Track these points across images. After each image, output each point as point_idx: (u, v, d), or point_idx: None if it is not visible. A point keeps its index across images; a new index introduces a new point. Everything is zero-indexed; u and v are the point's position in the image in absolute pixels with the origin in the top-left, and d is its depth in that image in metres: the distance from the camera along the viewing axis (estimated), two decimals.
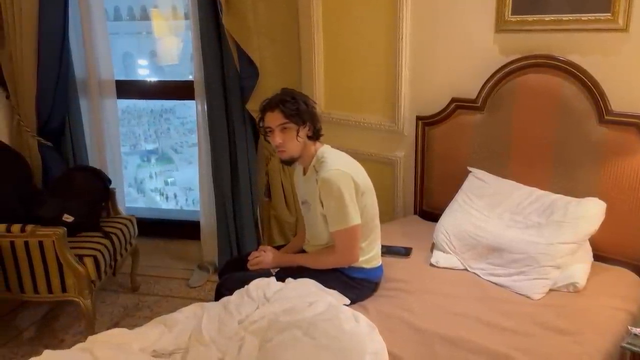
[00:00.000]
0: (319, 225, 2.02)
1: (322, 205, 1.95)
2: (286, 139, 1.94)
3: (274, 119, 1.94)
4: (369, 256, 2.03)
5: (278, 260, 2.11)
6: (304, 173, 2.08)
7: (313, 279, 1.95)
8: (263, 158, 3.02)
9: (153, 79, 3.96)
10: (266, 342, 1.60)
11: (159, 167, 4.72)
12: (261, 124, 2.00)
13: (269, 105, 1.95)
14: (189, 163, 4.59)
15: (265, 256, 2.12)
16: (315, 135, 2.01)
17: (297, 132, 1.94)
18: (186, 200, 4.53)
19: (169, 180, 4.70)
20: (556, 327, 1.79)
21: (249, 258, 2.14)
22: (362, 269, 2.01)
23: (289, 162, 2.03)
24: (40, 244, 2.37)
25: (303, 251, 2.19)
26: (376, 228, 2.07)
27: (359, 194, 1.95)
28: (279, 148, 1.97)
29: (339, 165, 1.94)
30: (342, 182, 1.90)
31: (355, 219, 1.92)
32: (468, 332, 1.76)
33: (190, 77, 3.30)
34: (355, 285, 1.99)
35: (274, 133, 1.95)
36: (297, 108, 1.92)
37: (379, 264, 2.08)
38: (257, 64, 2.72)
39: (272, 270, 2.04)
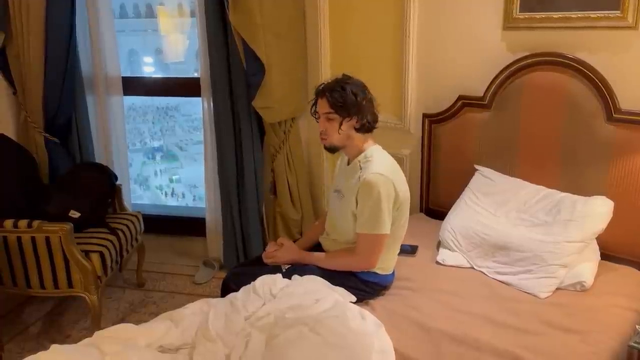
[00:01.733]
0: (345, 219, 1.98)
1: (357, 205, 1.91)
2: (329, 128, 1.92)
3: (321, 106, 1.92)
4: (386, 264, 2.02)
5: (294, 257, 2.08)
6: (348, 163, 2.04)
7: (324, 276, 1.94)
8: (269, 155, 3.02)
9: (159, 76, 3.96)
10: (273, 339, 1.60)
11: (163, 164, 4.72)
12: (313, 108, 1.97)
13: (318, 92, 1.93)
14: (194, 160, 4.59)
15: (282, 252, 2.09)
16: (363, 128, 1.93)
17: (340, 125, 1.90)
18: (192, 197, 4.53)
19: (174, 177, 4.70)
20: (563, 326, 1.79)
21: (267, 249, 2.13)
22: (375, 274, 2.00)
23: (331, 150, 2.00)
24: (47, 239, 2.38)
25: (319, 244, 2.17)
26: (400, 239, 2.05)
27: (396, 206, 1.92)
28: (321, 135, 1.95)
29: (384, 170, 1.90)
30: (383, 188, 1.86)
31: (386, 229, 1.89)
32: (474, 330, 1.76)
33: (196, 75, 3.29)
34: (365, 288, 1.99)
35: (320, 119, 1.94)
36: (343, 100, 1.87)
37: (393, 270, 2.08)
38: (264, 61, 2.72)
39: (282, 267, 2.03)
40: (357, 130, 1.93)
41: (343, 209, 2.00)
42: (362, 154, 1.97)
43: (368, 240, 1.91)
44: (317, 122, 1.99)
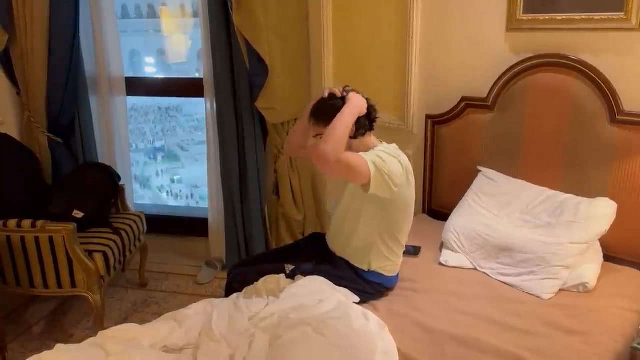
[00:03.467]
0: (355, 209, 1.94)
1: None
2: None
3: (312, 129, 1.90)
4: (389, 265, 2.01)
5: None
6: None
7: (328, 277, 1.94)
8: (272, 156, 3.02)
9: (161, 76, 3.97)
10: (276, 339, 1.61)
11: (165, 164, 4.73)
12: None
13: (309, 114, 1.90)
14: (195, 161, 4.60)
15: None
16: (360, 132, 1.88)
17: None
18: (192, 197, 4.54)
19: (175, 177, 4.72)
20: (566, 327, 1.79)
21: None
22: (380, 275, 2.00)
23: None
24: (51, 239, 2.38)
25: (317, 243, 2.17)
26: (400, 242, 2.02)
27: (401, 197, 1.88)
28: None
29: (398, 156, 1.87)
30: (392, 156, 1.83)
31: (371, 166, 1.76)
32: (477, 331, 1.76)
33: (197, 75, 3.30)
34: (370, 289, 1.98)
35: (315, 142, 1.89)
36: (328, 118, 1.80)
37: (397, 273, 2.07)
38: (267, 61, 2.72)
39: (286, 267, 2.03)
40: (354, 137, 1.88)
41: (350, 193, 1.96)
42: (374, 148, 1.92)
43: (354, 156, 1.79)
44: None
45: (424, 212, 2.74)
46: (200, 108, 3.13)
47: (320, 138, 1.84)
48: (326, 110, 1.85)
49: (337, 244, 2.08)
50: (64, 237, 2.37)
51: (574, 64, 2.18)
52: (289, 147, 2.26)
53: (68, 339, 2.60)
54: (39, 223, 2.37)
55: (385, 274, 2.01)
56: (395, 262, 2.04)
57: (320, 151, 1.72)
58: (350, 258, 2.02)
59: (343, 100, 1.86)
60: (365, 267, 1.99)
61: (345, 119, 1.79)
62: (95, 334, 1.72)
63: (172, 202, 4.57)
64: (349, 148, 1.88)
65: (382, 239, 1.97)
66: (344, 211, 2.04)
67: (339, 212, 2.09)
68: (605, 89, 2.12)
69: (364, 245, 1.97)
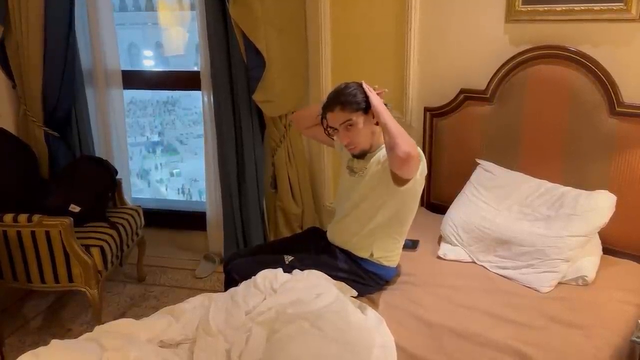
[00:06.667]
0: (368, 191, 1.93)
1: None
2: (352, 135, 1.87)
3: (335, 118, 1.86)
4: (390, 255, 2.01)
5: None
6: (362, 157, 1.98)
7: (327, 268, 1.94)
8: (269, 149, 3.01)
9: (159, 69, 3.95)
10: (274, 334, 1.60)
11: (164, 158, 4.72)
12: (324, 123, 1.91)
13: (328, 106, 1.88)
14: (194, 154, 4.58)
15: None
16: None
17: (363, 124, 1.84)
18: (190, 191, 4.53)
19: (174, 171, 4.70)
20: (565, 320, 1.79)
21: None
22: (380, 266, 1.99)
23: (361, 155, 1.96)
24: (47, 234, 2.37)
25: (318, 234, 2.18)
26: (404, 233, 2.03)
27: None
28: (348, 147, 1.91)
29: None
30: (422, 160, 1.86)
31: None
32: (476, 325, 1.76)
33: (195, 68, 3.27)
34: (369, 281, 1.98)
35: (339, 133, 1.88)
36: (356, 100, 1.83)
37: (396, 265, 2.07)
38: (264, 54, 2.70)
39: (285, 258, 2.02)
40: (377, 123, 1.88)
41: (366, 185, 1.94)
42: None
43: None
44: (334, 139, 1.97)
45: (422, 205, 2.72)
46: (199, 101, 3.11)
47: (348, 125, 1.85)
48: (350, 94, 1.85)
49: (340, 236, 2.07)
50: (60, 231, 2.36)
51: (573, 55, 2.17)
52: (298, 125, 2.37)
53: (66, 333, 2.59)
54: (36, 217, 2.36)
55: (385, 263, 2.00)
56: (396, 252, 2.04)
57: (406, 153, 1.70)
58: (353, 248, 2.01)
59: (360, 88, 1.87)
60: (367, 255, 1.98)
61: (387, 113, 1.82)
62: (93, 329, 1.71)
63: (170, 196, 4.56)
64: (373, 133, 1.90)
65: (391, 229, 1.97)
66: (356, 202, 2.00)
67: (348, 204, 2.04)
68: (605, 80, 2.11)
69: (370, 235, 1.97)
